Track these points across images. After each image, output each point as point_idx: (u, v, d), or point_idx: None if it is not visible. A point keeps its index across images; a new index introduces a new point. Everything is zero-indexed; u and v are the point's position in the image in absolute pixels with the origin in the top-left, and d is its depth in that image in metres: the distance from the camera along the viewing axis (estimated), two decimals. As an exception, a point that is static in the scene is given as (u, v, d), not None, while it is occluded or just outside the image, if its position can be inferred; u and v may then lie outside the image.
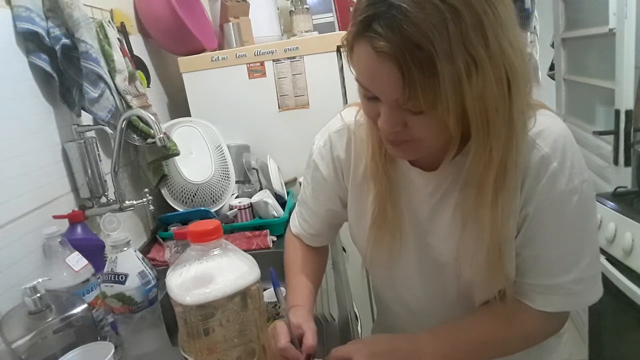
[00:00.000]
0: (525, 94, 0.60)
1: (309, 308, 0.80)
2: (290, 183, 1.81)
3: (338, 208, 0.86)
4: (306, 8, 1.97)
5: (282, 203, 1.60)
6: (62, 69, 1.08)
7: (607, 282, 1.48)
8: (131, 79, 1.33)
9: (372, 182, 0.74)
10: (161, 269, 0.96)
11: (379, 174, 0.73)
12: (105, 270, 0.82)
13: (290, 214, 1.60)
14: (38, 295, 0.74)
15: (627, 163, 1.81)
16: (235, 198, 1.61)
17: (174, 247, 1.01)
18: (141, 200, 1.22)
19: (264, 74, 1.73)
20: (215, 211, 1.54)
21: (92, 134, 1.22)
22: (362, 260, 0.84)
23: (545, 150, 0.64)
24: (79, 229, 1.06)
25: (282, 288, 0.80)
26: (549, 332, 0.74)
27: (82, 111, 1.15)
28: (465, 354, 0.72)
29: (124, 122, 1.18)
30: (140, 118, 1.30)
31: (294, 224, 0.94)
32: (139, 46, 1.67)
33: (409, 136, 0.61)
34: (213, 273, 0.60)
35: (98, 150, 1.17)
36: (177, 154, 1.45)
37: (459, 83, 0.52)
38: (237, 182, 1.67)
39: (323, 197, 0.86)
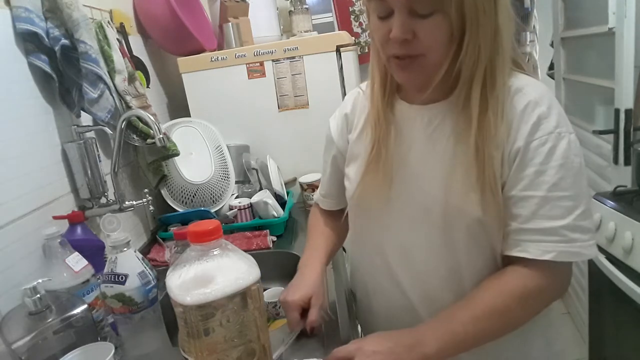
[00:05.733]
0: (508, 8, 0.70)
1: (322, 267, 0.90)
2: (290, 183, 1.81)
3: (342, 166, 0.92)
4: (305, 8, 1.97)
5: (282, 203, 1.60)
6: (61, 70, 1.08)
7: (607, 281, 1.48)
8: (131, 79, 1.33)
9: (371, 126, 0.82)
10: (161, 269, 0.96)
11: (379, 117, 0.81)
12: (105, 270, 0.82)
13: (290, 214, 1.61)
14: (38, 295, 0.74)
15: (627, 162, 1.80)
16: (235, 198, 1.61)
17: (174, 248, 1.01)
18: (141, 201, 1.23)
19: (263, 74, 1.73)
20: (215, 211, 1.54)
21: (91, 134, 1.21)
22: (349, 200, 0.88)
23: (532, 96, 0.71)
24: (78, 230, 1.06)
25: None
26: (546, 293, 0.73)
27: (81, 112, 1.15)
28: (467, 335, 0.71)
29: (124, 123, 1.18)
30: (139, 118, 1.30)
31: (316, 194, 1.06)
32: (138, 46, 1.67)
33: (417, 49, 0.69)
34: (213, 273, 0.60)
35: (98, 151, 1.17)
36: (177, 154, 1.45)
37: None
38: (237, 182, 1.67)
39: (330, 155, 0.96)
